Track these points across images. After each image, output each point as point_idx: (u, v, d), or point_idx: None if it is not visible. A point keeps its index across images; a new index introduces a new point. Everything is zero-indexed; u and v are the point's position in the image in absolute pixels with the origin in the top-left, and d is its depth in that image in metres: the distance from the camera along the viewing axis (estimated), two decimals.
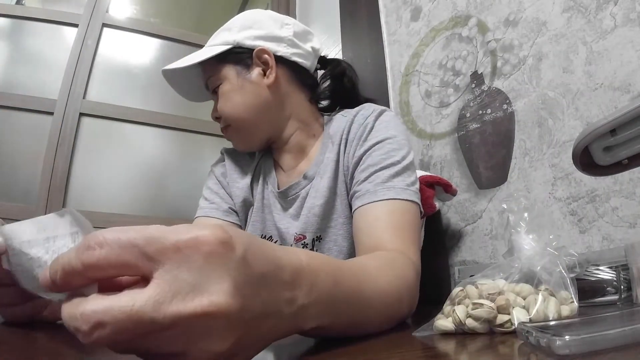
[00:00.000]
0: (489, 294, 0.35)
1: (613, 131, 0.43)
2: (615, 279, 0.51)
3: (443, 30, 1.17)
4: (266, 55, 0.70)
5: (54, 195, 1.48)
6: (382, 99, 1.30)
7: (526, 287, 0.37)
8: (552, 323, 0.31)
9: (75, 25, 1.67)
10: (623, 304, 0.49)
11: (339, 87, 0.78)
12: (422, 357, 0.28)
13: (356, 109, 0.72)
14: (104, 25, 1.72)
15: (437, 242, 1.03)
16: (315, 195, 0.69)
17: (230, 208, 0.76)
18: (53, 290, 0.20)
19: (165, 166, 1.74)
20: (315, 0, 1.86)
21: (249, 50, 0.70)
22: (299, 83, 0.75)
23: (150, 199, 1.66)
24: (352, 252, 0.66)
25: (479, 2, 1.07)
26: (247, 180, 0.76)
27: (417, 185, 0.63)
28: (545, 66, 0.89)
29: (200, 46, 0.74)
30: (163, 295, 0.18)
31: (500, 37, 1.00)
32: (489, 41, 1.02)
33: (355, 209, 0.61)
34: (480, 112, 1.02)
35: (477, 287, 0.37)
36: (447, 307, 0.38)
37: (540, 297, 0.35)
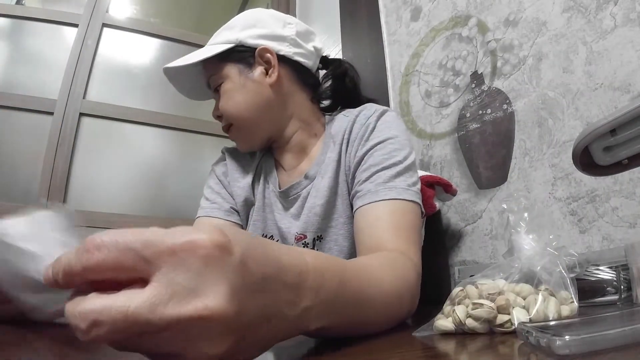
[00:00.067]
0: (489, 294, 0.35)
1: (613, 131, 0.43)
2: (615, 279, 0.51)
3: (443, 30, 1.17)
4: (269, 54, 0.69)
5: (54, 195, 1.48)
6: (382, 99, 1.30)
7: (526, 287, 0.37)
8: (552, 323, 0.31)
9: (75, 25, 1.67)
10: (623, 304, 0.49)
11: (340, 87, 0.78)
12: (422, 357, 0.28)
13: (358, 109, 0.72)
14: (104, 25, 1.72)
15: (437, 242, 1.03)
16: (316, 195, 0.69)
17: (231, 208, 0.76)
18: (55, 287, 0.21)
19: (165, 166, 1.73)
20: (315, 0, 1.86)
21: (251, 49, 0.70)
22: (301, 82, 0.75)
23: (150, 199, 1.66)
24: (352, 252, 0.66)
25: (479, 2, 1.07)
26: (249, 179, 0.76)
27: (419, 186, 0.63)
28: (545, 66, 0.89)
29: (200, 46, 0.74)
30: (159, 298, 0.18)
31: (500, 37, 1.00)
32: (489, 41, 1.02)
33: (357, 209, 0.61)
34: (480, 112, 1.02)
35: (477, 287, 0.37)
36: (447, 307, 0.38)
37: (540, 297, 0.35)
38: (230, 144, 0.82)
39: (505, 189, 0.93)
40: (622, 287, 0.50)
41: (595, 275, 0.52)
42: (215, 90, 0.73)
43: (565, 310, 0.37)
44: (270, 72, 0.70)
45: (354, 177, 0.66)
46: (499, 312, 0.34)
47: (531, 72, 0.91)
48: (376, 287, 0.38)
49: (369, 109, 0.70)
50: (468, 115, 1.05)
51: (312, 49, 0.75)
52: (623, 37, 0.76)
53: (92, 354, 0.31)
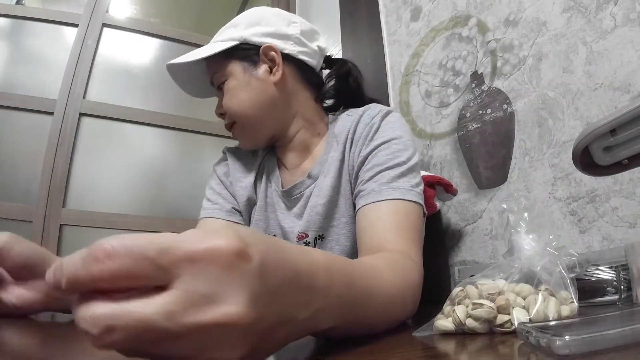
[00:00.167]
0: (489, 294, 0.35)
1: (613, 131, 0.43)
2: (615, 279, 0.51)
3: (443, 30, 1.17)
4: (273, 53, 0.69)
5: (54, 195, 1.48)
6: (382, 99, 1.30)
7: (526, 287, 0.37)
8: (552, 323, 0.31)
9: (75, 25, 1.67)
10: (623, 304, 0.49)
11: (344, 86, 0.78)
12: (422, 357, 0.28)
13: (362, 108, 0.72)
14: (104, 25, 1.72)
15: (437, 242, 1.03)
16: (318, 194, 0.69)
17: (233, 208, 0.76)
18: (56, 292, 0.20)
19: (165, 166, 1.73)
20: (315, 0, 1.86)
21: (255, 47, 0.70)
22: (304, 81, 0.75)
23: (150, 199, 1.66)
24: (354, 252, 0.66)
25: (479, 2, 1.07)
26: (251, 178, 0.76)
27: (422, 187, 0.63)
28: (545, 66, 0.89)
29: (200, 46, 0.74)
30: (177, 305, 0.18)
31: (500, 37, 1.00)
32: (489, 41, 1.02)
33: (359, 208, 0.61)
34: (480, 112, 1.02)
35: (477, 287, 0.37)
36: (447, 307, 0.38)
37: (540, 297, 0.35)
38: (231, 143, 0.82)
39: (505, 189, 0.93)
40: (622, 287, 0.50)
41: (595, 275, 0.52)
42: (218, 87, 0.73)
43: (565, 310, 0.37)
44: (274, 70, 0.70)
45: (357, 177, 0.66)
46: (499, 312, 0.34)
47: (531, 72, 0.91)
48: (381, 288, 0.38)
49: (373, 109, 0.70)
50: (468, 115, 1.05)
51: (316, 48, 0.75)
52: (623, 37, 0.76)
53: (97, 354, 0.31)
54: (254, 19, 0.72)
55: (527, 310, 0.34)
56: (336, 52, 1.53)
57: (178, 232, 0.20)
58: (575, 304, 0.38)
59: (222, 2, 2.30)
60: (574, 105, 0.82)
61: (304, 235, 0.69)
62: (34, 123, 1.54)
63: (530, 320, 0.33)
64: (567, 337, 0.23)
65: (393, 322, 0.42)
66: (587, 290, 0.50)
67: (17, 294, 0.47)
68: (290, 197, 0.72)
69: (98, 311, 0.18)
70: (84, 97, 1.61)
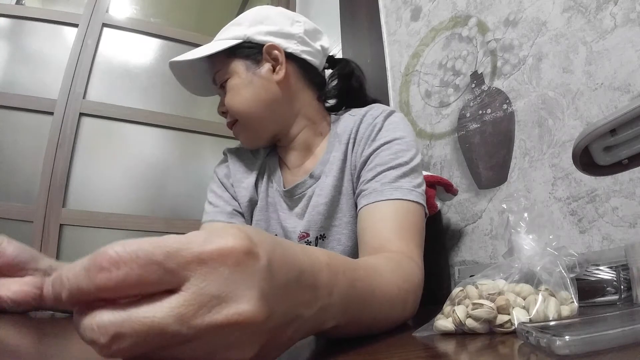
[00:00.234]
0: (489, 294, 0.35)
1: (613, 131, 0.43)
2: (615, 279, 0.51)
3: (443, 30, 1.17)
4: (276, 51, 0.69)
5: (54, 195, 1.48)
6: (382, 99, 1.30)
7: (526, 287, 0.37)
8: (552, 323, 0.31)
9: (75, 25, 1.67)
10: (623, 304, 0.49)
11: (346, 86, 0.78)
12: (422, 357, 0.28)
13: (365, 109, 0.72)
14: (104, 25, 1.72)
15: (437, 242, 1.03)
16: (320, 193, 0.69)
17: (234, 210, 0.76)
18: (57, 305, 0.19)
19: (165, 166, 1.73)
20: (315, 0, 1.86)
21: (259, 46, 0.70)
22: (307, 81, 0.75)
23: (150, 199, 1.66)
24: (355, 252, 0.66)
25: (479, 2, 1.07)
26: (252, 179, 0.76)
27: (424, 187, 0.63)
28: (545, 66, 0.89)
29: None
30: (187, 307, 0.17)
31: (500, 37, 1.00)
32: (489, 41, 1.02)
33: (361, 208, 0.61)
34: (480, 112, 1.02)
35: (477, 287, 0.37)
36: (447, 307, 0.37)
37: (540, 297, 0.35)
38: (231, 143, 0.81)
39: (505, 189, 0.93)
40: (622, 287, 0.50)
41: (595, 275, 0.52)
42: (221, 86, 0.72)
43: (565, 310, 0.37)
44: (277, 69, 0.70)
45: (359, 177, 0.66)
46: (499, 312, 0.34)
47: (531, 72, 0.91)
48: (383, 288, 0.38)
49: (376, 109, 0.70)
50: (468, 115, 1.05)
51: (320, 47, 0.75)
52: (623, 37, 0.76)
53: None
54: (257, 18, 0.71)
55: (527, 311, 0.34)
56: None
57: (178, 233, 0.20)
58: (575, 304, 0.38)
59: (222, 2, 2.30)
60: (574, 105, 0.82)
61: (305, 234, 0.70)
62: (34, 123, 1.54)
63: (530, 321, 0.33)
64: (567, 337, 0.23)
65: (394, 322, 0.42)
66: (587, 290, 0.50)
67: (13, 289, 0.48)
68: (292, 196, 0.72)
69: (105, 319, 0.17)
70: (84, 97, 1.61)
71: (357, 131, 0.69)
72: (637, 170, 0.70)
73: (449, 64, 1.13)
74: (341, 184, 0.69)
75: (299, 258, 0.24)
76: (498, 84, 0.99)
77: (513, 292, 0.36)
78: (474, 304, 0.34)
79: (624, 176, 0.73)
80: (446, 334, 0.35)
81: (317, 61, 0.75)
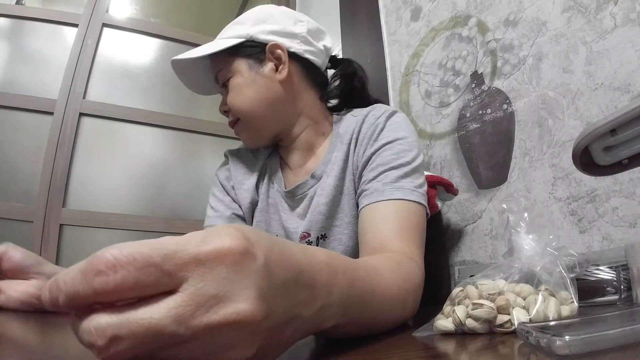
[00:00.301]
0: (489, 294, 0.35)
1: (613, 131, 0.43)
2: (615, 279, 0.51)
3: (443, 30, 1.17)
4: (279, 51, 0.69)
5: (54, 195, 1.48)
6: (382, 99, 1.30)
7: (526, 287, 0.37)
8: (552, 323, 0.31)
9: (75, 25, 1.67)
10: (623, 304, 0.49)
11: (349, 87, 0.78)
12: (423, 357, 0.28)
13: (367, 109, 0.72)
14: (104, 25, 1.72)
15: (437, 242, 1.03)
16: (321, 193, 0.69)
17: (233, 214, 0.76)
18: (54, 309, 0.19)
19: (165, 166, 1.73)
20: (315, 0, 1.86)
21: (261, 45, 0.69)
22: (310, 81, 0.74)
23: (150, 199, 1.66)
24: (356, 252, 0.66)
25: (479, 2, 1.07)
26: (253, 180, 0.76)
27: (425, 188, 0.63)
28: (545, 66, 0.89)
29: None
30: (185, 308, 0.17)
31: (500, 37, 1.00)
32: (489, 41, 1.02)
33: (362, 207, 0.61)
34: (480, 112, 1.02)
35: (477, 287, 0.37)
36: (447, 307, 0.37)
37: (540, 297, 0.35)
38: (231, 144, 0.81)
39: (505, 189, 0.93)
40: (622, 287, 0.50)
41: (595, 275, 0.52)
42: (223, 85, 0.72)
43: (565, 310, 0.37)
44: (280, 68, 0.69)
45: (361, 177, 0.66)
46: (499, 312, 0.34)
47: (531, 72, 0.91)
48: (383, 288, 0.38)
49: (379, 110, 0.70)
50: (468, 115, 1.05)
51: (322, 47, 0.75)
52: (623, 37, 0.76)
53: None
54: (260, 17, 0.71)
55: (527, 311, 0.34)
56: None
57: (178, 233, 0.20)
58: (575, 304, 0.38)
59: (222, 2, 2.29)
60: (574, 105, 0.82)
61: (307, 234, 0.69)
62: (34, 123, 1.54)
63: (530, 321, 0.33)
64: (567, 337, 0.23)
65: (394, 322, 0.42)
66: (587, 290, 0.50)
67: (19, 289, 0.52)
68: (293, 197, 0.72)
69: (102, 321, 0.17)
70: (84, 97, 1.61)
71: (359, 131, 0.69)
72: (637, 170, 0.70)
73: (449, 64, 1.13)
74: (342, 184, 0.69)
75: (298, 257, 0.24)
76: (498, 84, 0.99)
77: (513, 292, 0.36)
78: (474, 304, 0.34)
79: (624, 176, 0.73)
80: (446, 334, 0.35)
81: (320, 61, 0.75)
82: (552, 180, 0.84)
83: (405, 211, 0.58)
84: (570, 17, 0.85)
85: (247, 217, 0.76)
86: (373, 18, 1.43)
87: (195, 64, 0.72)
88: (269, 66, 0.70)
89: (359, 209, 0.63)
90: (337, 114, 0.78)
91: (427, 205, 0.62)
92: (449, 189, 0.94)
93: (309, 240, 0.69)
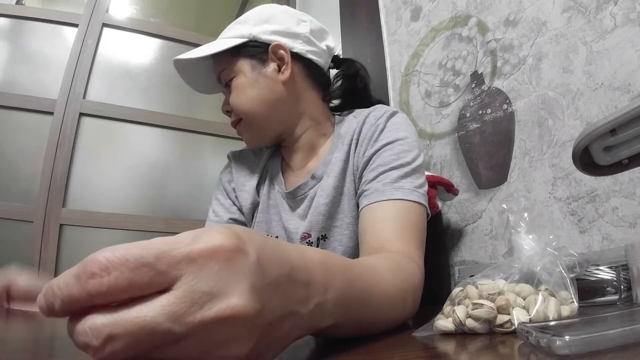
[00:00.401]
0: (489, 294, 0.35)
1: (613, 131, 0.43)
2: (615, 279, 0.51)
3: (443, 30, 1.17)
4: (282, 51, 0.69)
5: (54, 195, 1.48)
6: (382, 99, 1.30)
7: (526, 287, 0.37)
8: (552, 323, 0.31)
9: (75, 25, 1.67)
10: (623, 304, 0.49)
11: (351, 87, 0.78)
12: (423, 357, 0.28)
13: (368, 110, 0.72)
14: (104, 25, 1.72)
15: (437, 242, 1.03)
16: (321, 194, 0.69)
17: (230, 219, 0.76)
18: (50, 316, 0.19)
19: (166, 166, 1.73)
20: (315, 0, 1.86)
21: (264, 45, 0.69)
22: (312, 81, 0.74)
23: (150, 199, 1.66)
24: (357, 253, 0.66)
25: (479, 2, 1.07)
26: (254, 182, 0.76)
27: (426, 188, 0.63)
28: (545, 66, 0.89)
29: (200, 46, 0.74)
30: (179, 305, 0.18)
31: (500, 37, 1.00)
32: (489, 41, 1.02)
33: (362, 208, 0.61)
34: (480, 112, 1.02)
35: (477, 287, 0.37)
36: (447, 307, 0.37)
37: (540, 297, 0.35)
38: (231, 144, 0.81)
39: (505, 189, 0.93)
40: (622, 287, 0.50)
41: (595, 275, 0.52)
42: (225, 84, 0.72)
43: (565, 310, 0.37)
44: (282, 69, 0.69)
45: (361, 177, 0.66)
46: (499, 312, 0.34)
47: (531, 72, 0.91)
48: (382, 287, 0.38)
49: (379, 110, 0.70)
50: (468, 115, 1.05)
51: (325, 47, 0.75)
52: (623, 37, 0.76)
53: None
54: (263, 17, 0.71)
55: (527, 311, 0.34)
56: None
57: (178, 233, 0.20)
58: (575, 304, 0.38)
59: (222, 2, 2.29)
60: (574, 105, 0.82)
61: (307, 235, 0.69)
62: (34, 123, 1.54)
63: (530, 321, 0.33)
64: (567, 337, 0.23)
65: (393, 322, 0.42)
66: (587, 290, 0.50)
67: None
68: (294, 197, 0.72)
69: (97, 321, 0.17)
70: (84, 97, 1.61)
71: (359, 132, 0.69)
72: (637, 170, 0.70)
73: (449, 64, 1.13)
74: (342, 185, 0.69)
75: (290, 255, 0.24)
76: (498, 84, 0.99)
77: (513, 292, 0.36)
78: (474, 304, 0.34)
79: (624, 176, 0.73)
80: (446, 334, 0.35)
81: (323, 61, 0.75)
82: (552, 180, 0.84)
83: (405, 211, 0.58)
84: (570, 17, 0.85)
85: (247, 219, 0.76)
86: (373, 18, 1.43)
87: (198, 63, 0.72)
88: (272, 67, 0.70)
89: (359, 209, 0.63)
90: (339, 115, 0.78)
91: (427, 206, 0.62)
92: (449, 189, 0.94)
93: (309, 240, 0.69)
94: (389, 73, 1.35)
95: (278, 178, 0.75)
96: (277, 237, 0.73)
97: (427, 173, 0.94)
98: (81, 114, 1.59)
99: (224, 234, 0.20)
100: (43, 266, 1.39)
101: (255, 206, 0.76)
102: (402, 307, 0.43)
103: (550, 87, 0.87)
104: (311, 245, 0.69)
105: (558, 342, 0.23)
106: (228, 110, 0.73)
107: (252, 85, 0.69)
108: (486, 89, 1.01)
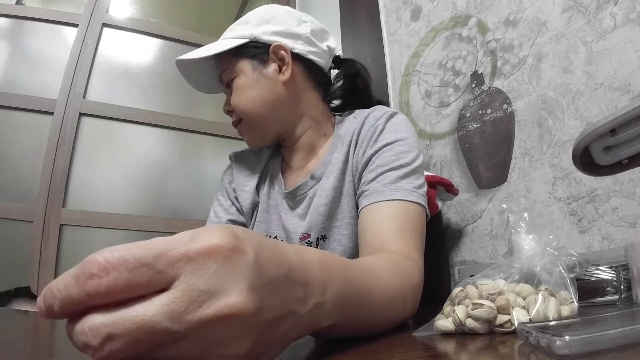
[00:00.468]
0: (489, 294, 0.35)
1: (613, 131, 0.43)
2: (615, 279, 0.51)
3: (443, 30, 1.17)
4: (283, 52, 0.69)
5: (54, 195, 1.48)
6: (382, 99, 1.30)
7: (526, 287, 0.37)
8: (552, 323, 0.31)
9: (75, 25, 1.67)
10: (623, 304, 0.49)
11: (352, 87, 0.78)
12: (423, 357, 0.28)
13: (367, 110, 0.72)
14: (104, 25, 1.72)
15: (437, 242, 1.03)
16: (321, 194, 0.69)
17: (229, 220, 0.76)
18: (49, 318, 0.19)
19: (166, 166, 1.73)
20: (315, 0, 1.86)
21: (265, 46, 0.70)
22: (313, 81, 0.75)
23: (150, 199, 1.66)
24: (356, 253, 0.66)
25: (479, 2, 1.07)
26: (254, 182, 0.76)
27: (425, 189, 0.63)
28: (545, 66, 0.89)
29: (200, 46, 0.74)
30: (177, 304, 0.18)
31: (500, 37, 1.00)
32: (489, 41, 1.02)
33: (362, 208, 0.61)
34: (480, 112, 1.02)
35: (477, 287, 0.37)
36: (447, 307, 0.37)
37: (540, 297, 0.35)
38: (231, 145, 0.81)
39: (505, 189, 0.93)
40: (622, 287, 0.50)
41: (595, 275, 0.52)
42: (227, 84, 0.73)
43: (565, 310, 0.37)
44: (283, 69, 0.70)
45: (360, 178, 0.66)
46: (499, 312, 0.34)
47: (531, 72, 0.91)
48: (381, 287, 0.38)
49: (379, 111, 0.71)
50: (468, 115, 1.05)
51: (326, 48, 0.75)
52: (623, 37, 0.76)
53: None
54: (264, 17, 0.71)
55: (527, 311, 0.34)
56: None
57: (178, 232, 0.20)
58: (575, 304, 0.38)
59: (222, 2, 2.29)
60: (574, 105, 0.82)
61: (307, 235, 0.70)
62: (34, 123, 1.54)
63: (530, 321, 0.33)
64: (567, 337, 0.23)
65: (393, 322, 0.42)
66: (587, 290, 0.50)
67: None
68: (294, 198, 0.72)
69: (96, 321, 0.17)
70: (84, 97, 1.61)
71: (359, 133, 0.69)
72: (637, 170, 0.70)
73: (449, 64, 1.13)
74: (342, 185, 0.69)
75: (288, 254, 0.25)
76: (498, 84, 0.99)
77: (513, 292, 0.36)
78: (474, 304, 0.34)
79: (624, 176, 0.73)
80: (446, 334, 0.35)
81: (323, 61, 0.75)
82: (552, 180, 0.84)
83: (405, 211, 0.58)
84: (570, 17, 0.85)
85: (247, 219, 0.77)
86: (373, 18, 1.43)
87: (200, 63, 0.72)
88: (273, 67, 0.70)
89: (359, 209, 0.63)
90: (340, 115, 0.78)
91: (427, 206, 0.62)
92: (449, 189, 0.94)
93: (308, 241, 0.69)
94: (389, 73, 1.35)
95: (278, 178, 0.75)
96: (276, 237, 0.73)
97: (427, 173, 0.94)
98: (81, 114, 1.59)
99: (222, 234, 0.20)
100: (43, 266, 1.39)
101: (255, 206, 0.76)
102: (401, 307, 0.43)
103: (550, 87, 0.87)
104: (310, 246, 0.69)
105: (558, 342, 0.23)
106: (229, 110, 0.73)
107: (252, 85, 0.69)
108: (486, 89, 1.01)
